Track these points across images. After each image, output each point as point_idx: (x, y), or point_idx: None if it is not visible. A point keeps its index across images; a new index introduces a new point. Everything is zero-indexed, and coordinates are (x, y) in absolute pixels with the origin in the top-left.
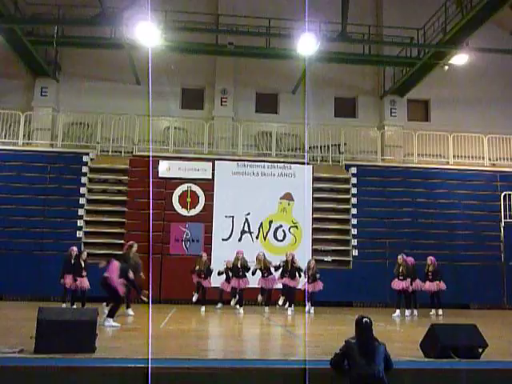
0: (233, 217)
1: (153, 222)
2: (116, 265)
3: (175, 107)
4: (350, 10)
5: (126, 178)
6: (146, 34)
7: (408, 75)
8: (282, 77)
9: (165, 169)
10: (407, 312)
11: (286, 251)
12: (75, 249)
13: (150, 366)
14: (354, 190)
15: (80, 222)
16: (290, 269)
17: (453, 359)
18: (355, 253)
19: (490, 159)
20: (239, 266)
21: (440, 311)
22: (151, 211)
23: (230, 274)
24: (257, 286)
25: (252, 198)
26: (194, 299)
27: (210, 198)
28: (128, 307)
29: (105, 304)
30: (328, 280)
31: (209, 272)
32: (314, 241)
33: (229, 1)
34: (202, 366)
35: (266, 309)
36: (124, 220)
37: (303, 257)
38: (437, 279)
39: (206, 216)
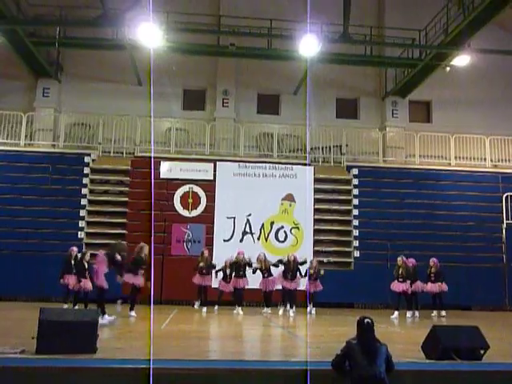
0: (234, 218)
1: (154, 223)
2: (101, 256)
3: (177, 108)
4: (352, 11)
5: (128, 178)
6: (148, 35)
7: (410, 76)
8: (284, 78)
9: (166, 170)
10: (409, 313)
11: (288, 253)
12: (75, 249)
13: (151, 366)
14: (355, 191)
15: (81, 223)
16: (292, 269)
17: (454, 361)
18: (356, 254)
19: (491, 160)
20: (240, 265)
21: (443, 312)
22: (153, 212)
23: (228, 273)
24: (256, 287)
25: (253, 199)
26: (196, 306)
27: (211, 198)
28: (131, 309)
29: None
30: (329, 281)
31: (211, 266)
32: (316, 242)
33: (230, 2)
34: (202, 367)
35: (268, 310)
36: (125, 221)
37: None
38: (439, 281)
39: (208, 217)
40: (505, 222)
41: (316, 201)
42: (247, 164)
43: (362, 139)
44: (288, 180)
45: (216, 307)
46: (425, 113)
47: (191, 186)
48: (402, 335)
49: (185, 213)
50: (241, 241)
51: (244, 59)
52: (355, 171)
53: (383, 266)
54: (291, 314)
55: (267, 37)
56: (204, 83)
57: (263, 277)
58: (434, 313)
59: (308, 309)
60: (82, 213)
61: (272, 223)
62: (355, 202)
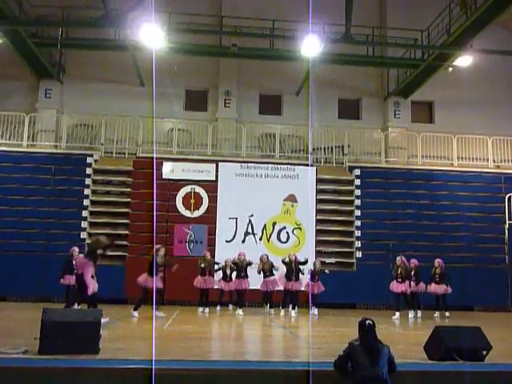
0: (236, 218)
1: (156, 224)
2: (81, 259)
3: (179, 109)
4: (354, 11)
5: (130, 179)
6: (150, 35)
7: (412, 77)
8: (286, 78)
9: (168, 170)
10: (411, 314)
11: (289, 252)
12: (77, 249)
13: (153, 367)
14: (357, 192)
15: (84, 224)
16: (294, 269)
17: (457, 361)
18: (359, 254)
19: (494, 161)
20: (241, 266)
21: (447, 313)
22: (155, 213)
23: (228, 272)
24: (257, 288)
25: (255, 200)
26: (201, 311)
27: (213, 199)
28: (135, 309)
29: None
30: (331, 282)
31: (213, 264)
32: (318, 242)
33: (232, 2)
34: (204, 367)
35: (271, 310)
36: (128, 221)
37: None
38: (443, 282)
39: (210, 217)
40: (507, 222)
41: (318, 201)
42: (249, 164)
43: (364, 140)
44: (290, 180)
45: (218, 308)
46: (427, 113)
47: (193, 186)
48: (404, 336)
49: (187, 213)
50: (243, 241)
51: (246, 60)
52: (357, 172)
53: (385, 266)
54: (293, 314)
55: (269, 37)
56: (206, 84)
57: (264, 277)
58: (437, 313)
59: (311, 310)
60: (85, 213)
61: (274, 224)
62: (357, 202)
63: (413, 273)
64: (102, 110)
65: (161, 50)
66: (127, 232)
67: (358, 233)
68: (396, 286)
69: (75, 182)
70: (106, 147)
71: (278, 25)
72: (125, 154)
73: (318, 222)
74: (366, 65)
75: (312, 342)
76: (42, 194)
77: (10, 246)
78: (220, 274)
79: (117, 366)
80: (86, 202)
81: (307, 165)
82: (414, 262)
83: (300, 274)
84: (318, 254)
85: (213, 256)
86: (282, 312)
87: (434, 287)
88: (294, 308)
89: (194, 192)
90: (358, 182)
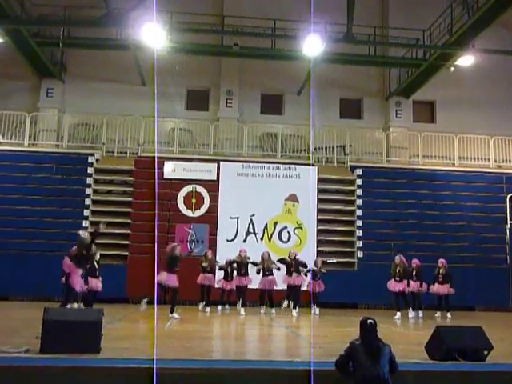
0: (238, 218)
1: (158, 223)
2: (66, 260)
3: (180, 108)
4: (356, 11)
5: (131, 179)
6: (152, 35)
7: (414, 76)
8: (288, 78)
9: (170, 170)
10: (411, 313)
11: (290, 250)
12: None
13: (155, 366)
14: (359, 192)
15: (85, 223)
16: (294, 266)
17: (458, 361)
18: (360, 254)
19: (495, 161)
20: (242, 263)
21: (449, 314)
22: (156, 212)
23: (229, 271)
24: (257, 287)
25: (257, 199)
26: (201, 307)
27: (214, 199)
28: (172, 312)
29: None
30: (333, 281)
31: (215, 262)
32: (319, 242)
33: (234, 2)
34: (206, 367)
35: (272, 310)
36: (129, 221)
37: (308, 258)
38: (447, 282)
39: (211, 217)
40: (508, 222)
41: (319, 201)
42: (251, 164)
43: (366, 139)
44: (291, 180)
45: (219, 307)
46: (429, 113)
47: (195, 186)
48: (405, 336)
49: (188, 213)
50: (244, 241)
51: (247, 59)
52: (359, 171)
53: (387, 266)
54: (294, 314)
55: (271, 37)
56: (207, 83)
57: (264, 275)
58: (438, 313)
59: (312, 309)
60: (86, 213)
61: (275, 223)
62: (359, 202)
63: (414, 273)
64: (104, 109)
65: (162, 49)
66: (129, 231)
67: (359, 232)
68: (394, 285)
69: (77, 182)
70: (108, 146)
71: (280, 24)
72: (126, 153)
73: (320, 221)
74: (367, 64)
75: (314, 341)
76: (44, 193)
77: (12, 245)
78: (222, 273)
79: (118, 366)
80: (87, 202)
81: (309, 164)
82: (415, 261)
83: (300, 272)
84: (320, 253)
85: (215, 255)
86: (285, 304)
87: (437, 287)
88: (294, 307)
89: (196, 191)
90: (359, 181)
